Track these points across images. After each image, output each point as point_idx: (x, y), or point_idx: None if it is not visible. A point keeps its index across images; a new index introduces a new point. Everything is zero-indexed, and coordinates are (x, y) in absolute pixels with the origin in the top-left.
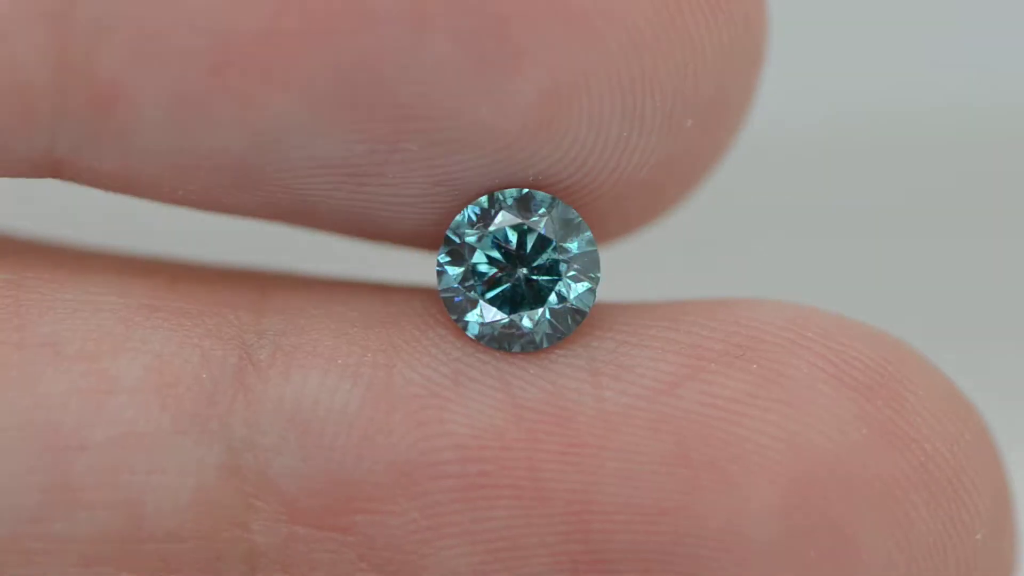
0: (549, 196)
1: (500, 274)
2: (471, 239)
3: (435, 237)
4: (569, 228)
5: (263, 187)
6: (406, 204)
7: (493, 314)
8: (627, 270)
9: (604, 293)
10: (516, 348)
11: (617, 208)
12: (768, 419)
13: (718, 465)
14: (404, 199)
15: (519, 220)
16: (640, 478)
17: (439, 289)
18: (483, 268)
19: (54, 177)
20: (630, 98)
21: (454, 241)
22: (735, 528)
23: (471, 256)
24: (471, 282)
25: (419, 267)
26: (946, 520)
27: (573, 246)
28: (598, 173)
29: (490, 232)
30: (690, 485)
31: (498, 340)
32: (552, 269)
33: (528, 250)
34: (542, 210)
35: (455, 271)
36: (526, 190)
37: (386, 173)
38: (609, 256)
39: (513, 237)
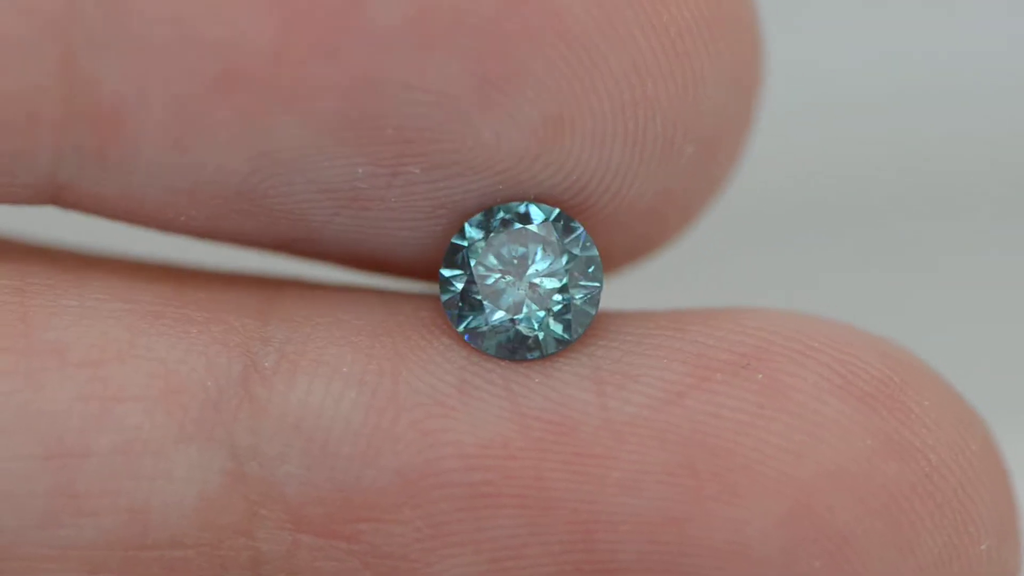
0: (550, 207)
1: (503, 283)
2: (475, 248)
3: (434, 264)
4: (571, 236)
5: (265, 212)
6: (407, 229)
7: (497, 323)
8: (632, 279)
9: (608, 302)
10: (520, 357)
11: (618, 236)
12: (773, 429)
13: (723, 475)
14: (406, 223)
15: (521, 229)
16: (645, 488)
17: (442, 298)
18: (486, 277)
19: (54, 204)
20: (632, 122)
21: (457, 250)
22: (740, 539)
23: (475, 265)
24: (475, 291)
25: None
26: (951, 530)
27: (575, 254)
28: (599, 198)
29: (493, 241)
30: (695, 495)
31: (502, 349)
32: (555, 277)
33: (531, 259)
34: (544, 219)
35: (459, 280)
36: (527, 203)
37: (388, 197)
38: None
39: (516, 246)
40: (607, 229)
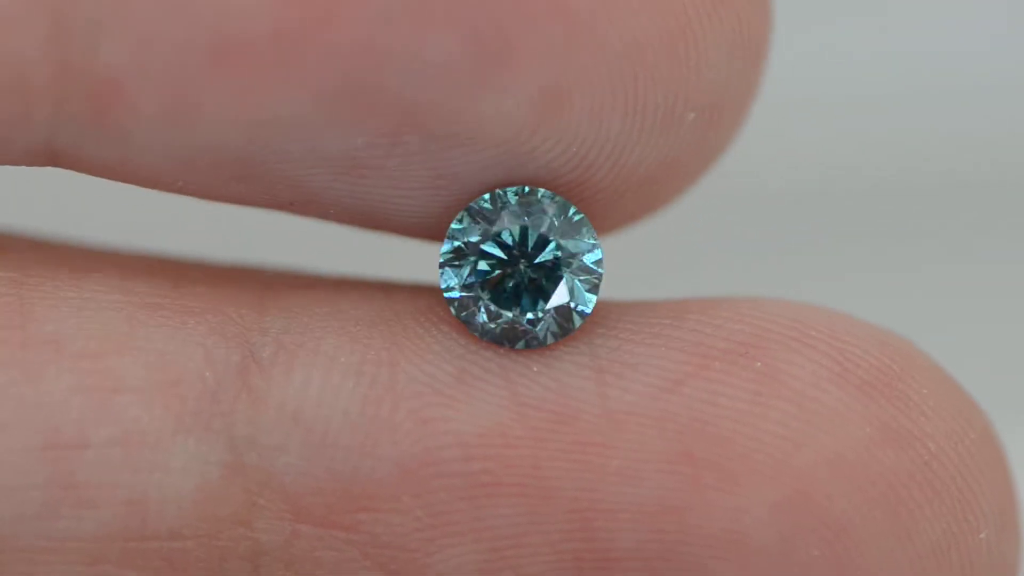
0: (551, 193)
1: (503, 271)
2: (473, 237)
3: (435, 229)
4: (571, 224)
5: (263, 179)
6: (406, 197)
7: (496, 312)
8: (631, 268)
9: (608, 291)
10: (520, 345)
11: (618, 203)
12: (771, 417)
13: (721, 464)
14: (404, 192)
15: (521, 217)
16: (643, 477)
17: (442, 287)
18: (486, 266)
19: (53, 166)
20: (631, 93)
21: (456, 239)
22: (738, 527)
23: (474, 254)
24: (474, 280)
25: (423, 264)
26: (950, 519)
27: (575, 242)
28: (599, 168)
29: (492, 229)
30: (693, 484)
31: (501, 338)
32: (555, 266)
33: (530, 247)
34: (544, 206)
35: (458, 269)
36: (527, 187)
37: (386, 167)
38: (612, 254)
39: (515, 234)
40: (606, 197)
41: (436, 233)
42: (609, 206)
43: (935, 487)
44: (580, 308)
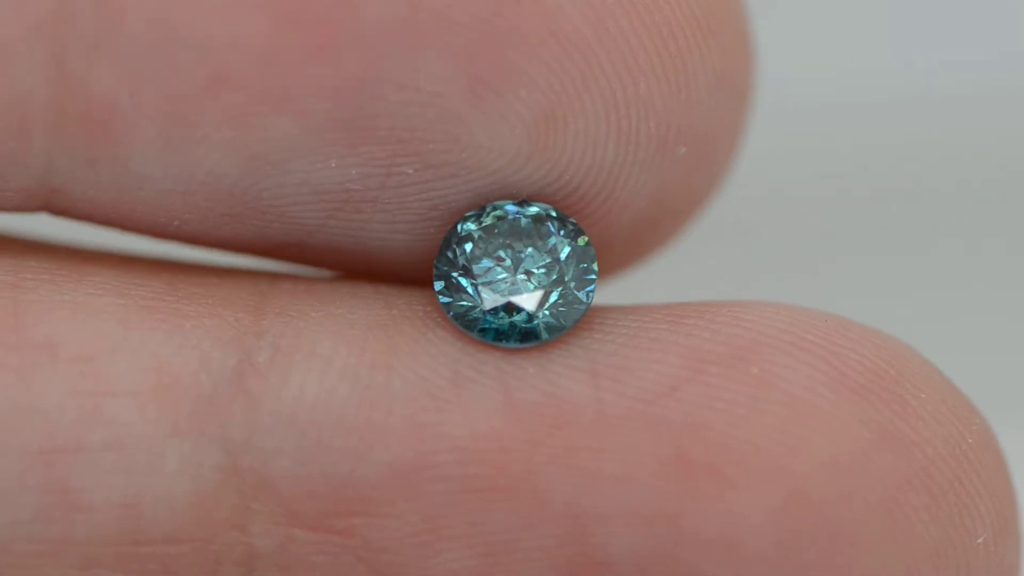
0: (547, 204)
1: (498, 273)
2: (470, 239)
3: (428, 268)
4: (567, 227)
5: (258, 215)
6: (401, 231)
7: (491, 312)
8: (627, 274)
9: (604, 295)
10: (514, 342)
11: (613, 239)
12: (768, 422)
13: (717, 468)
14: (399, 225)
15: (517, 220)
16: (638, 481)
17: (437, 289)
18: (482, 268)
19: (47, 210)
20: (625, 122)
21: (453, 241)
22: (734, 532)
23: (470, 255)
24: (470, 281)
25: None
26: (947, 524)
27: (571, 244)
28: (593, 198)
29: (489, 232)
30: (688, 489)
31: (497, 339)
32: (550, 268)
33: (526, 249)
34: (540, 211)
35: (454, 271)
36: (523, 199)
37: (381, 198)
38: None
39: (512, 237)
40: (601, 231)
41: (426, 277)
42: (605, 242)
43: (932, 492)
44: (575, 309)
